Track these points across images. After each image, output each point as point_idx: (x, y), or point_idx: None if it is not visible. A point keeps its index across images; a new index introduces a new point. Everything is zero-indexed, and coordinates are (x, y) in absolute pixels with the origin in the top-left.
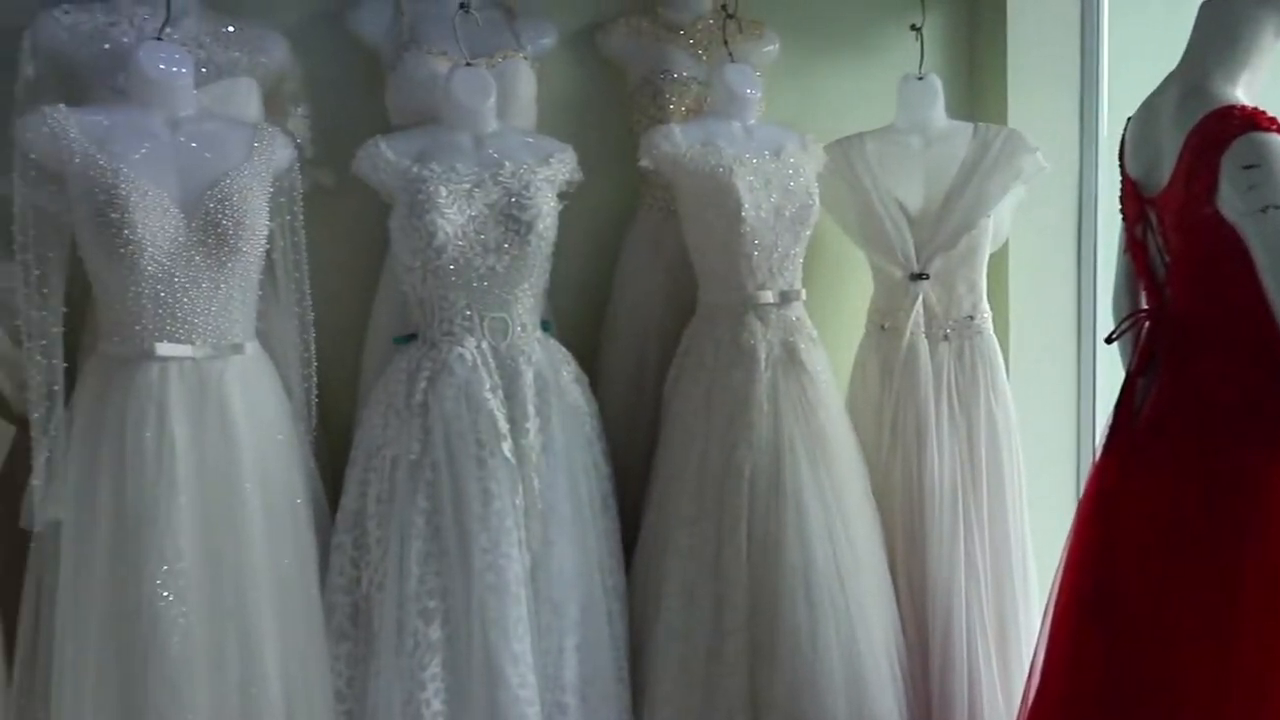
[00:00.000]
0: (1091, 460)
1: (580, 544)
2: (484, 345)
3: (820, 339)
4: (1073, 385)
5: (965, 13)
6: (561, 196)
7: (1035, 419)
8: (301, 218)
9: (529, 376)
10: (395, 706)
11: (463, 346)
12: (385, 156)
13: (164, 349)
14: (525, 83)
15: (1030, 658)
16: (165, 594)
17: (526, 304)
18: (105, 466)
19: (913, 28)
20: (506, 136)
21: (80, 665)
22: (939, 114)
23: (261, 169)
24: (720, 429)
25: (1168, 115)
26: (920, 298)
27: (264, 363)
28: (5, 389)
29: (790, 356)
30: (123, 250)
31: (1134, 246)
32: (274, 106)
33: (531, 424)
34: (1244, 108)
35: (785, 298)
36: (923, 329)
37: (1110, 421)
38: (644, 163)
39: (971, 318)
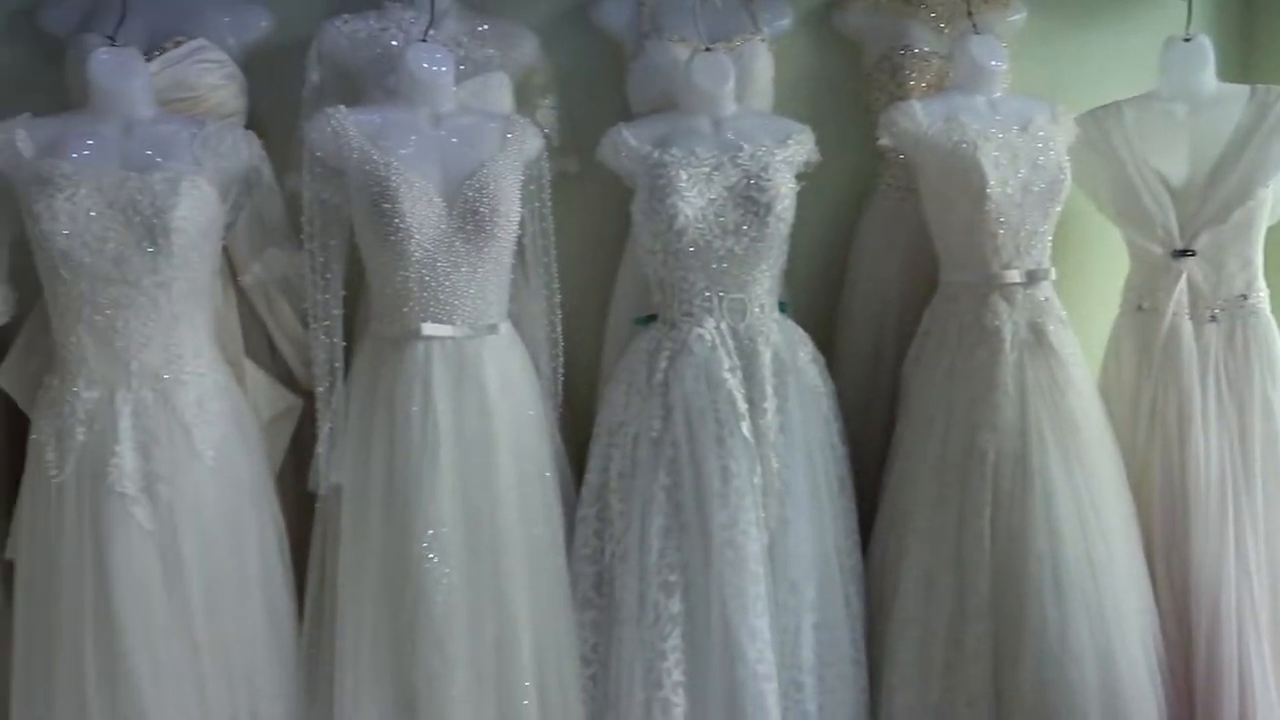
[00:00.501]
0: None
1: (817, 524)
2: (723, 326)
3: (1070, 320)
4: None
5: None
6: (799, 177)
7: None
8: (549, 204)
9: (767, 357)
10: (637, 674)
11: (702, 327)
12: (627, 143)
13: (429, 329)
14: (763, 65)
15: None
16: (431, 556)
17: (764, 285)
18: (378, 437)
19: None
20: (744, 119)
21: (358, 618)
22: (1209, 78)
23: (514, 159)
24: (962, 411)
25: None
26: (1184, 276)
27: (516, 342)
28: (294, 366)
29: (1038, 338)
30: (393, 237)
31: None
32: (523, 98)
33: (769, 404)
34: None
35: (1033, 277)
36: (1186, 309)
37: None
38: (883, 141)
39: (1245, 296)
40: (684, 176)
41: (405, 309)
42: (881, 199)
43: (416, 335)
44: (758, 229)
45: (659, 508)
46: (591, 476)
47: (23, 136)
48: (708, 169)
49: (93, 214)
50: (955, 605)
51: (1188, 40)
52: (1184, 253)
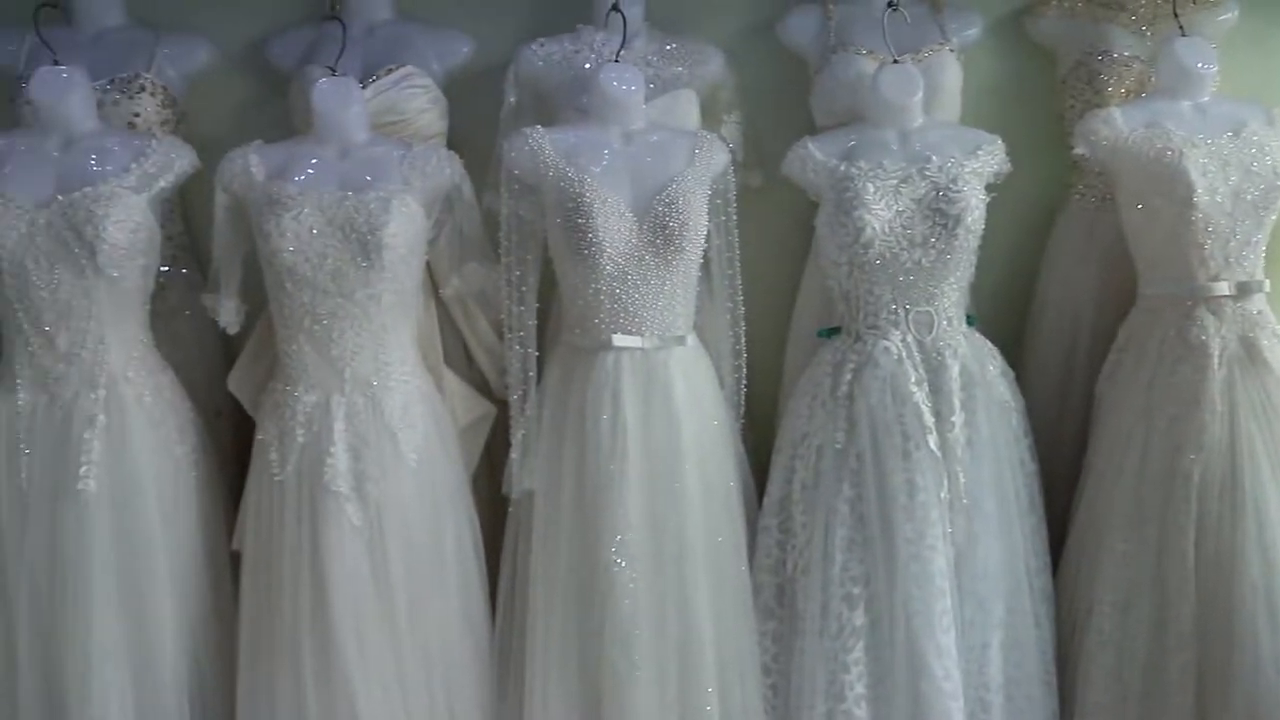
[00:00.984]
0: None
1: (1006, 541)
2: (909, 339)
3: None
4: None
5: None
6: (989, 188)
7: None
8: (735, 218)
9: (954, 370)
10: (819, 686)
11: (888, 340)
12: (814, 156)
13: (619, 340)
14: (951, 75)
15: None
16: (618, 560)
17: (952, 297)
18: (568, 444)
19: None
20: (932, 131)
21: (547, 618)
22: None
23: (702, 174)
24: (1162, 429)
25: None
26: None
27: (702, 354)
28: (489, 374)
29: (1250, 354)
30: (585, 251)
31: None
32: (709, 114)
33: (957, 418)
34: None
35: (1244, 289)
36: None
37: None
38: (1080, 150)
39: None
40: (871, 189)
41: (596, 320)
42: (1075, 209)
43: (607, 346)
44: (946, 241)
45: (842, 520)
46: (774, 488)
47: (255, 161)
48: (895, 181)
49: (315, 231)
50: (1154, 631)
51: None
52: None
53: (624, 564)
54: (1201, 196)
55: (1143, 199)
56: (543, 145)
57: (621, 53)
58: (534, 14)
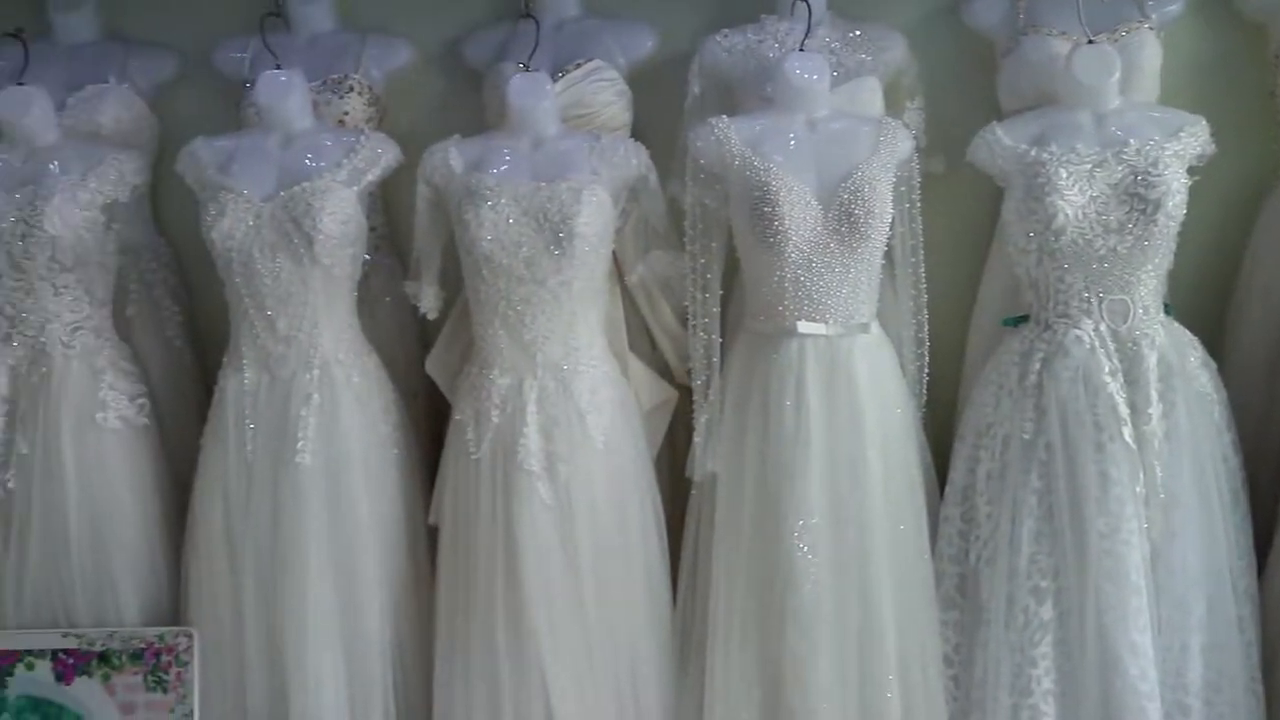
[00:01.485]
0: None
1: (1207, 538)
2: (1102, 328)
3: None
4: None
5: None
6: (1190, 171)
7: None
8: (919, 205)
9: (1152, 360)
10: (1004, 678)
11: (1079, 329)
12: (1002, 142)
13: (803, 327)
14: (1150, 54)
15: None
16: (801, 546)
17: (1149, 285)
18: (751, 429)
19: None
20: (1130, 112)
21: (729, 600)
22: None
23: (887, 161)
24: None
25: None
26: None
27: (885, 342)
28: (671, 360)
29: None
30: (771, 239)
31: None
32: (891, 100)
33: (1154, 409)
34: None
35: None
36: None
37: None
38: None
39: None
40: (1064, 174)
41: (780, 307)
42: None
43: (791, 333)
44: (1144, 227)
45: (1030, 511)
46: (956, 477)
47: (454, 155)
48: (1089, 166)
49: (510, 221)
50: None
51: None
52: None
53: (806, 549)
54: None
55: None
56: (728, 134)
57: (806, 41)
58: (717, 6)
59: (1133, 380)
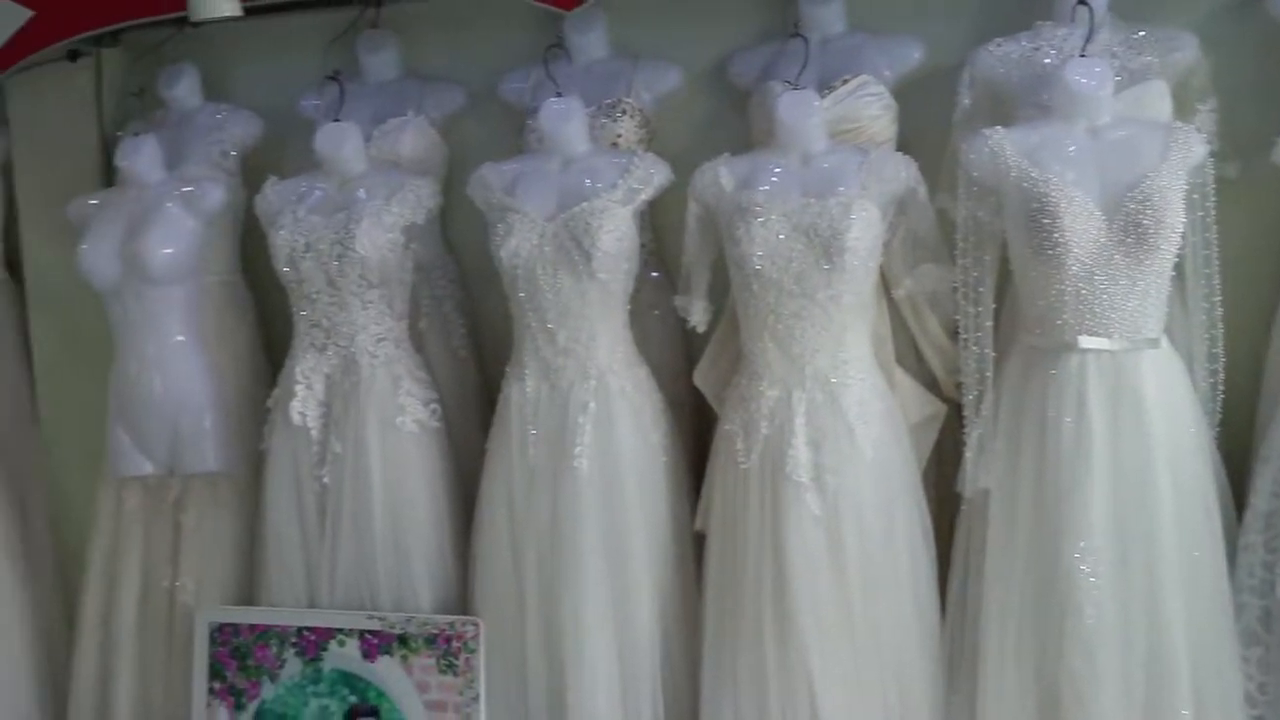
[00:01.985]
0: None
1: None
2: None
3: None
4: None
5: None
6: None
7: None
8: (1212, 213)
9: None
10: None
11: None
12: None
13: (1085, 342)
14: None
15: None
16: (1082, 566)
17: None
18: (1028, 445)
19: None
20: None
21: (1003, 618)
22: None
23: (1177, 168)
24: None
25: None
26: None
27: (1174, 358)
28: (938, 373)
29: None
30: (1050, 252)
31: None
32: (1181, 103)
33: None
34: None
35: None
36: None
37: None
38: None
39: None
40: None
41: (1059, 321)
42: None
43: (1072, 347)
44: None
45: None
46: (1258, 502)
47: (725, 173)
48: None
49: (781, 236)
50: None
51: None
52: None
53: (1088, 570)
54: None
55: None
56: (1003, 146)
57: (1086, 46)
58: (985, 15)
59: None
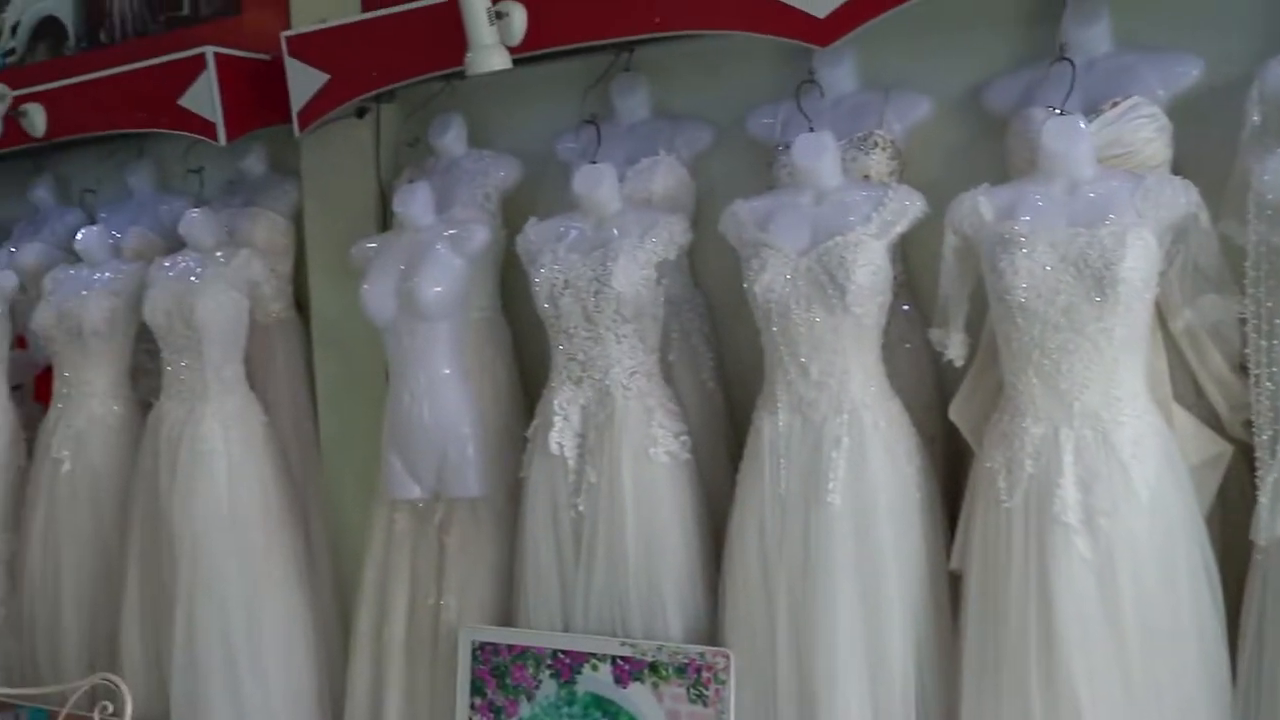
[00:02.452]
0: None
1: None
2: None
3: None
4: None
5: None
6: None
7: None
8: None
9: None
10: None
11: None
12: None
13: None
14: None
15: None
16: None
17: None
18: None
19: None
20: None
21: None
22: None
23: None
24: None
25: None
26: None
27: None
28: (1221, 411)
29: None
30: None
31: None
32: None
33: None
34: None
35: None
36: None
37: None
38: None
39: None
40: None
41: None
42: None
43: None
44: None
45: None
46: None
47: (984, 203)
48: None
49: (1047, 268)
50: None
51: None
52: None
53: None
54: None
55: None
56: None
57: None
58: (1271, 25)
59: None
